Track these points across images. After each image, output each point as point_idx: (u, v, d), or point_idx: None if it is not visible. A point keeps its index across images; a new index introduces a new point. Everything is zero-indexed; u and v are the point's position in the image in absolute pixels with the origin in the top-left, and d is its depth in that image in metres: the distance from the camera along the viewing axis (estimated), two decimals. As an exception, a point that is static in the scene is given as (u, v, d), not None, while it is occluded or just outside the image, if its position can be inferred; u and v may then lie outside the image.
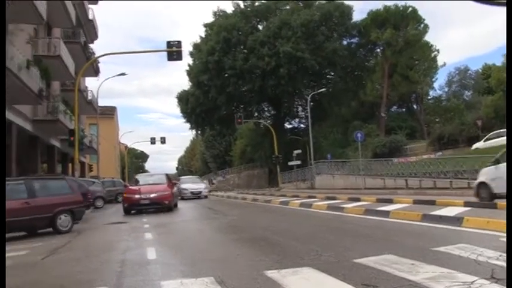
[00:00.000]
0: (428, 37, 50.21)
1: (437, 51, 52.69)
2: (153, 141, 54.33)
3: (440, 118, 54.79)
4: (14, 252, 8.33)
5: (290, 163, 39.13)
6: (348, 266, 5.25)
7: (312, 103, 40.43)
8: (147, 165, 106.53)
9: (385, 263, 5.13)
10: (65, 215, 11.78)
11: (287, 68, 40.61)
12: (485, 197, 11.67)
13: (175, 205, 19.41)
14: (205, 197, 28.69)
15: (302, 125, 51.90)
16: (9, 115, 19.59)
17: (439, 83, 60.74)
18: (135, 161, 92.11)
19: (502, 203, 9.96)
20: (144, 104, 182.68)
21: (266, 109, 52.65)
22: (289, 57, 40.30)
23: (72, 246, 9.10)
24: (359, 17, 55.05)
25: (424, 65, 53.21)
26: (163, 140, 54.53)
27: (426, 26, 48.19)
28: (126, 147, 66.58)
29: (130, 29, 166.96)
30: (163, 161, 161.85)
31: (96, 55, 32.73)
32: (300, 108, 50.86)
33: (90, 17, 37.40)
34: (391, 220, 9.81)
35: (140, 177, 22.36)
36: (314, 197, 19.83)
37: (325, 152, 42.65)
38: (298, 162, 38.52)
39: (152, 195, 17.22)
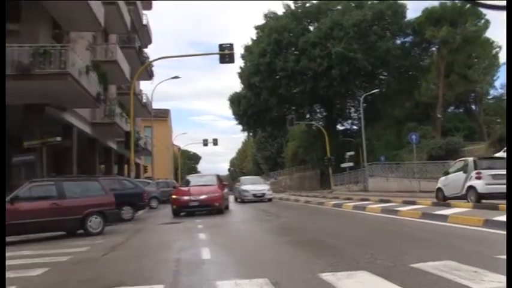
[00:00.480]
0: (489, 33, 47.97)
1: (499, 47, 50.31)
2: (205, 143, 55.11)
3: (502, 118, 52.30)
4: (76, 248, 8.70)
5: (342, 165, 38.62)
6: (405, 270, 5.11)
7: (364, 104, 39.77)
8: (200, 166, 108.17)
9: (445, 269, 4.94)
10: (95, 216, 11.53)
11: (339, 69, 40.18)
12: (441, 197, 15.90)
13: (227, 207, 18.89)
14: (269, 200, 24.77)
15: (354, 127, 51.20)
16: (71, 118, 20.47)
17: (501, 82, 57.72)
18: (188, 162, 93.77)
19: None
20: (196, 106, 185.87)
21: (318, 110, 52.29)
22: (341, 58, 39.85)
23: (129, 244, 9.39)
24: (413, 15, 53.51)
25: (485, 63, 50.81)
26: (215, 142, 55.20)
27: (487, 22, 45.95)
28: (179, 149, 67.94)
29: (182, 33, 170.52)
30: (215, 163, 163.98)
31: (150, 59, 33.66)
32: (352, 110, 50.20)
33: (144, 22, 38.52)
34: (450, 225, 9.46)
35: (190, 178, 21.95)
36: (367, 200, 19.48)
37: (378, 154, 41.77)
38: (351, 164, 37.96)
39: (202, 197, 16.63)
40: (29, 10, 17.25)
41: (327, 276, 4.93)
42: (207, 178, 19.47)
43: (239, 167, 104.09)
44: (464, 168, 14.88)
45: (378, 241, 7.73)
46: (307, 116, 50.69)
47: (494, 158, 16.86)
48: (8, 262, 7.44)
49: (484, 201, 13.53)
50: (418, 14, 49.07)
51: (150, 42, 42.55)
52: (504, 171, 12.71)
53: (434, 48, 48.15)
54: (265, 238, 9.57)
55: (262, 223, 13.10)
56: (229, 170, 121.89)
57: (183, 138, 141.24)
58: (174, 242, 9.30)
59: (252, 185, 25.80)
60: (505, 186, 12.02)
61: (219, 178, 19.93)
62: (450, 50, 45.65)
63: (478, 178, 13.96)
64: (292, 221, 13.13)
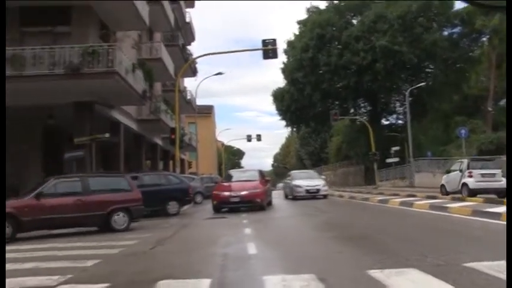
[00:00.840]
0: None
1: (555, 36, 47.88)
2: (249, 138, 55.38)
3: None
4: (125, 241, 8.94)
5: (388, 160, 37.90)
6: (457, 269, 4.95)
7: (410, 98, 38.81)
8: (243, 162, 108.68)
9: (501, 270, 4.72)
10: (120, 213, 11.44)
11: (383, 62, 39.36)
12: (444, 192, 18.43)
13: (270, 203, 18.56)
14: (324, 197, 22.12)
15: (400, 121, 50.03)
16: (118, 115, 21.03)
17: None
18: (231, 158, 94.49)
19: None
20: (240, 102, 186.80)
21: (362, 105, 51.46)
22: (385, 51, 39.02)
23: (176, 238, 9.56)
24: (461, 5, 51.67)
25: (539, 52, 48.58)
26: (259, 138, 55.38)
27: (541, 9, 43.95)
28: (223, 144, 68.57)
29: (224, 31, 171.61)
30: (259, 158, 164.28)
31: (194, 56, 34.10)
32: (397, 104, 49.08)
33: (187, 20, 39.02)
34: (503, 223, 9.10)
35: (232, 173, 21.68)
36: (414, 196, 19.02)
37: (424, 149, 40.69)
38: (396, 159, 37.19)
39: (243, 193, 16.23)
40: (79, 13, 17.82)
41: (375, 273, 4.85)
42: (249, 173, 19.16)
43: (282, 162, 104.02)
44: (460, 168, 17.74)
45: (427, 238, 7.54)
46: (351, 110, 49.95)
47: (485, 159, 19.47)
48: (63, 252, 7.79)
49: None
50: (467, 3, 47.23)
51: (193, 39, 43.10)
52: (492, 171, 16.88)
53: (484, 39, 46.28)
54: (311, 233, 9.52)
55: (307, 218, 13.06)
56: (272, 165, 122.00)
57: (226, 134, 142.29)
58: (220, 236, 9.40)
59: (305, 179, 23.04)
60: (491, 183, 16.42)
61: (261, 173, 19.56)
62: (502, 39, 43.75)
63: (470, 176, 16.81)
64: (337, 217, 13.01)
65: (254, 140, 55.81)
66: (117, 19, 19.39)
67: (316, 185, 22.24)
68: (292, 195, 22.27)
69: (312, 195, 21.68)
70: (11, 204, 10.80)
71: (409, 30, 40.28)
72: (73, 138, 17.45)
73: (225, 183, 18.02)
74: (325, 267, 5.47)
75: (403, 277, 4.67)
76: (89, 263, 6.38)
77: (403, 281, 4.54)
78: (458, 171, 17.75)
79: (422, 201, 15.39)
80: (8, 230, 10.15)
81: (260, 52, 22.19)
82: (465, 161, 18.22)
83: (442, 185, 19.06)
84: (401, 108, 46.78)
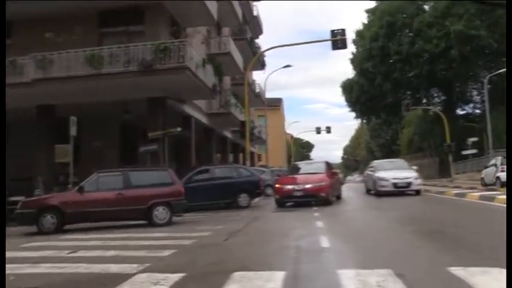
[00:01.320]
0: None
1: None
2: (318, 130, 54.86)
3: None
4: (199, 232, 9.15)
5: (464, 152, 36.07)
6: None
7: (489, 86, 36.66)
8: (313, 154, 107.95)
9: None
10: (162, 207, 11.50)
11: (459, 49, 37.41)
12: (483, 184, 21.59)
13: (338, 197, 17.86)
14: (417, 192, 18.48)
15: (477, 111, 47.47)
16: (189, 110, 21.56)
17: None
18: (300, 150, 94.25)
19: None
20: (308, 94, 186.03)
21: (435, 94, 49.35)
22: (461, 36, 37.05)
23: (248, 230, 9.64)
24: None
25: None
26: (328, 130, 54.72)
27: None
28: (292, 137, 68.49)
29: (291, 23, 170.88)
30: (328, 151, 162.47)
31: (262, 50, 34.20)
32: (474, 92, 46.60)
33: (255, 13, 39.15)
34: None
35: (296, 165, 20.67)
36: (495, 190, 17.95)
37: (505, 139, 38.33)
38: (474, 151, 35.28)
39: (307, 186, 15.29)
40: (151, 12, 18.44)
41: (457, 270, 4.59)
42: (314, 165, 18.26)
43: (352, 154, 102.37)
44: (495, 164, 20.53)
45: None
46: (424, 100, 48.08)
47: None
48: (140, 242, 8.11)
49: None
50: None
51: (261, 32, 43.22)
52: None
53: None
54: (386, 227, 9.25)
55: (380, 212, 12.72)
56: (342, 157, 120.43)
57: (295, 126, 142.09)
58: (291, 229, 9.37)
59: (392, 170, 19.21)
60: None
61: (328, 165, 18.26)
62: None
63: (502, 171, 19.08)
64: (413, 211, 12.56)
65: (323, 132, 55.18)
66: (187, 16, 19.87)
67: (407, 178, 18.60)
68: (375, 190, 18.98)
69: (401, 190, 18.28)
70: (55, 197, 11.57)
71: (487, 13, 37.97)
72: (147, 132, 18.11)
73: (288, 176, 17.26)
74: (402, 262, 5.28)
75: (490, 277, 4.34)
76: (165, 253, 6.59)
77: (489, 281, 4.22)
78: (493, 166, 20.84)
79: (504, 196, 14.48)
80: (53, 222, 10.85)
81: (328, 43, 21.94)
82: (499, 157, 20.87)
83: (482, 178, 22.43)
84: (479, 97, 44.39)
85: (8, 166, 20.12)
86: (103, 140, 20.49)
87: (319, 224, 9.87)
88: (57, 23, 18.11)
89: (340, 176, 29.51)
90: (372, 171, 20.55)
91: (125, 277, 4.91)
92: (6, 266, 6.03)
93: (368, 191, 20.91)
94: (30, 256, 6.95)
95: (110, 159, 19.54)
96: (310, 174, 16.41)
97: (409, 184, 18.36)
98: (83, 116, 17.14)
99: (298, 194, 15.26)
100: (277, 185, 16.49)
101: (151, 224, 11.32)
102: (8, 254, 7.29)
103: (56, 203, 11.08)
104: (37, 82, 17.11)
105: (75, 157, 16.19)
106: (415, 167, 21.90)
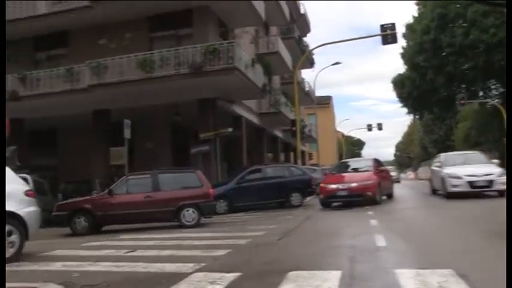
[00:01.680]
0: None
1: None
2: (369, 128, 53.90)
3: None
4: (253, 232, 9.15)
5: (525, 145, 34.30)
6: None
7: (552, 75, 34.66)
8: (364, 152, 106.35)
9: None
10: (190, 209, 11.54)
11: (519, 36, 35.65)
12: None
13: (390, 196, 16.94)
14: (500, 194, 13.86)
15: (539, 102, 45.06)
16: (239, 110, 21.70)
17: None
18: (351, 148, 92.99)
19: None
20: (357, 91, 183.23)
21: (493, 87, 47.16)
22: (520, 24, 35.28)
23: (302, 229, 9.56)
24: None
25: None
26: (380, 127, 53.65)
27: None
28: (342, 135, 67.66)
29: (339, 20, 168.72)
30: (380, 148, 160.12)
31: (310, 48, 33.95)
32: (536, 83, 44.23)
33: (302, 11, 38.92)
34: None
35: (344, 163, 19.63)
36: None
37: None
38: (539, 144, 33.44)
39: (352, 185, 14.28)
40: (199, 14, 18.70)
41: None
42: (362, 163, 17.37)
43: (405, 151, 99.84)
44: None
45: None
46: (480, 93, 46.07)
47: None
48: (193, 242, 8.20)
49: None
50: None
51: (308, 31, 42.96)
52: None
53: None
54: (445, 226, 8.89)
55: (437, 210, 12.29)
56: (395, 155, 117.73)
57: (346, 124, 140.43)
58: (345, 228, 9.21)
59: (466, 166, 15.25)
60: None
61: (377, 162, 17.08)
62: None
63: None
64: (472, 208, 12.01)
65: (375, 129, 54.13)
66: (235, 17, 20.02)
67: (487, 174, 14.37)
68: (445, 191, 15.03)
69: (480, 190, 14.44)
70: (87, 200, 11.86)
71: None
72: (198, 133, 18.37)
73: (334, 175, 16.26)
74: (464, 262, 5.03)
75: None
76: (220, 252, 6.61)
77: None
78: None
79: None
80: (86, 224, 11.24)
81: (377, 38, 21.51)
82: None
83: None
84: (541, 87, 42.08)
85: (68, 169, 21.03)
86: (155, 142, 20.98)
87: (374, 222, 9.63)
88: (109, 30, 18.72)
89: (394, 173, 28.57)
90: (438, 166, 16.59)
91: (181, 276, 4.96)
92: (70, 263, 6.29)
93: (434, 192, 17.24)
94: (90, 255, 7.17)
95: (163, 160, 19.96)
96: (356, 172, 15.58)
97: (490, 183, 14.18)
98: (136, 119, 17.61)
99: (343, 193, 14.35)
100: (322, 184, 15.47)
101: (181, 226, 11.43)
102: (70, 253, 7.65)
103: (87, 205, 11.46)
104: (92, 88, 17.76)
105: (130, 159, 16.65)
106: (496, 161, 17.46)
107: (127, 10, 18.44)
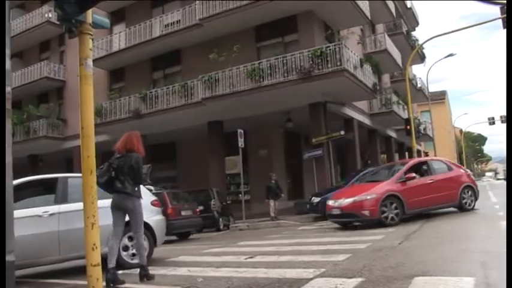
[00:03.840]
0: None
1: None
2: (491, 121, 49.82)
3: None
4: (372, 236, 8.94)
5: None
6: None
7: None
8: (486, 148, 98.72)
9: None
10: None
11: None
12: None
13: (460, 207, 12.31)
14: None
15: None
16: (350, 112, 21.39)
17: None
18: (471, 144, 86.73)
19: None
20: (472, 83, 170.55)
21: None
22: None
23: (424, 232, 9.10)
24: None
25: None
26: (503, 119, 49.35)
27: None
28: (460, 131, 63.48)
29: (448, 8, 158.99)
30: (504, 143, 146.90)
31: (420, 42, 32.40)
32: None
33: (409, 5, 37.32)
34: None
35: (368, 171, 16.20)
36: None
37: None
38: None
39: (345, 202, 11.15)
40: (303, 19, 18.80)
41: None
42: (383, 170, 13.42)
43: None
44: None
45: None
46: None
47: None
48: (312, 247, 8.19)
49: None
50: None
51: (417, 24, 41.12)
52: None
53: None
54: None
55: None
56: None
57: (464, 119, 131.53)
58: (473, 230, 8.61)
59: None
60: None
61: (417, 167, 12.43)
62: None
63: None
64: None
65: (498, 122, 49.82)
66: (340, 19, 19.80)
67: None
68: None
69: None
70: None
71: None
72: (310, 138, 18.41)
73: (359, 184, 13.17)
74: None
75: None
76: (340, 257, 6.52)
77: None
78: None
79: None
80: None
81: (492, 24, 19.86)
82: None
83: None
84: None
85: (186, 179, 22.24)
86: (269, 149, 21.41)
87: (504, 224, 8.86)
88: (217, 44, 19.54)
89: None
90: None
91: (302, 282, 4.96)
92: (194, 268, 6.62)
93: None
94: (212, 261, 7.48)
95: (277, 167, 20.28)
96: (373, 182, 12.01)
97: None
98: (248, 128, 18.13)
99: (337, 212, 11.40)
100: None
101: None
102: (193, 259, 8.07)
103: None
104: (206, 100, 18.63)
105: (244, 167, 17.16)
106: None
107: (233, 24, 19.11)
